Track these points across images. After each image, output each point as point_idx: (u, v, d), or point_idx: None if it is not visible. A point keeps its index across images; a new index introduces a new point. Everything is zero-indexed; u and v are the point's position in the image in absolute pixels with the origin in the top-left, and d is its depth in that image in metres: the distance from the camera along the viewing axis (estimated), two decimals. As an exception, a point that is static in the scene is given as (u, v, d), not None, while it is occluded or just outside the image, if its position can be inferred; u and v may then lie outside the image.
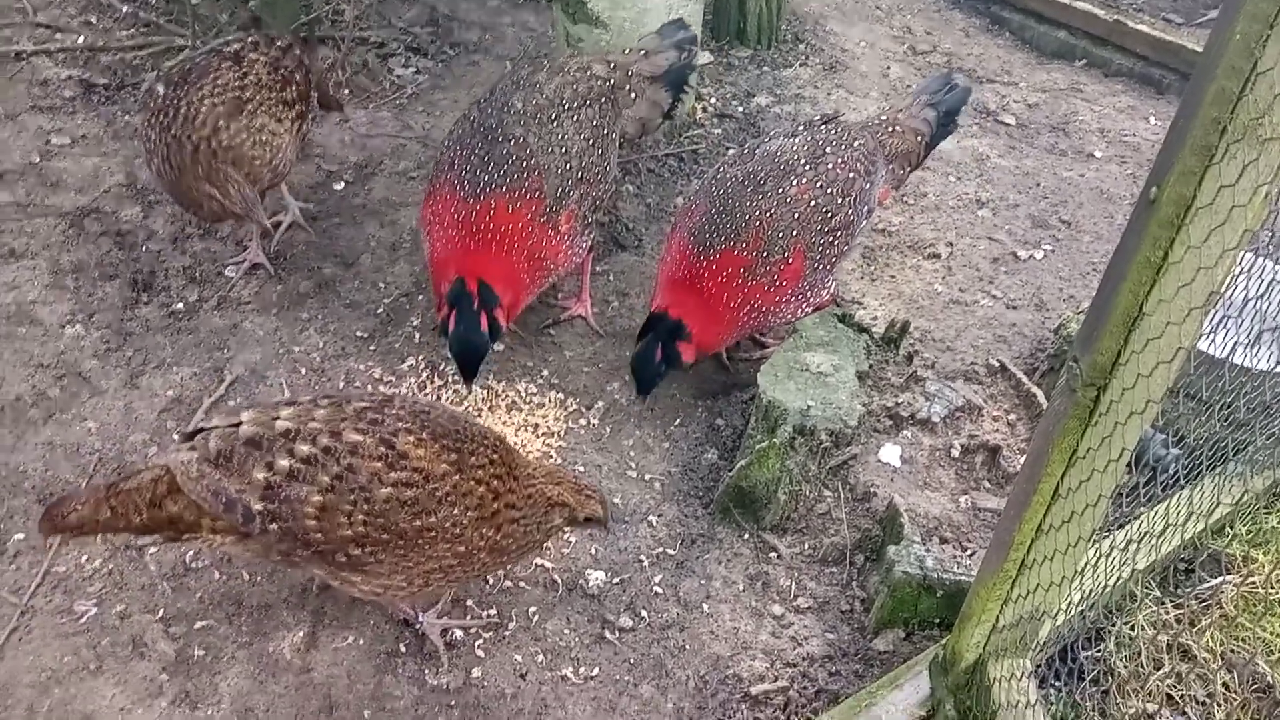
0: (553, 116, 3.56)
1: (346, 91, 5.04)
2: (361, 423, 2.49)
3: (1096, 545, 2.77)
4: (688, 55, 4.01)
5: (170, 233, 4.17)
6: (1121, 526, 2.87)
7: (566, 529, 2.84)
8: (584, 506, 2.76)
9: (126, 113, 4.73)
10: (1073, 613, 2.68)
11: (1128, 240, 1.77)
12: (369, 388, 3.62)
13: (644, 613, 3.05)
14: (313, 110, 4.06)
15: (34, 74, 4.89)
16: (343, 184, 4.52)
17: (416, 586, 2.61)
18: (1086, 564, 2.61)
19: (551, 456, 3.44)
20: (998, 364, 3.69)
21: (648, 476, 3.45)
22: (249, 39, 3.83)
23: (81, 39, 5.12)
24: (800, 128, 3.68)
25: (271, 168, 3.72)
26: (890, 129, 3.78)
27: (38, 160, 4.43)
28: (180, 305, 3.87)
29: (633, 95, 3.88)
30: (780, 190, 3.39)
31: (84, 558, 3.05)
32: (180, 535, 2.61)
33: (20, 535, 3.08)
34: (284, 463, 2.42)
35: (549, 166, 3.47)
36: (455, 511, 2.49)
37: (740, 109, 5.11)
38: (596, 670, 2.90)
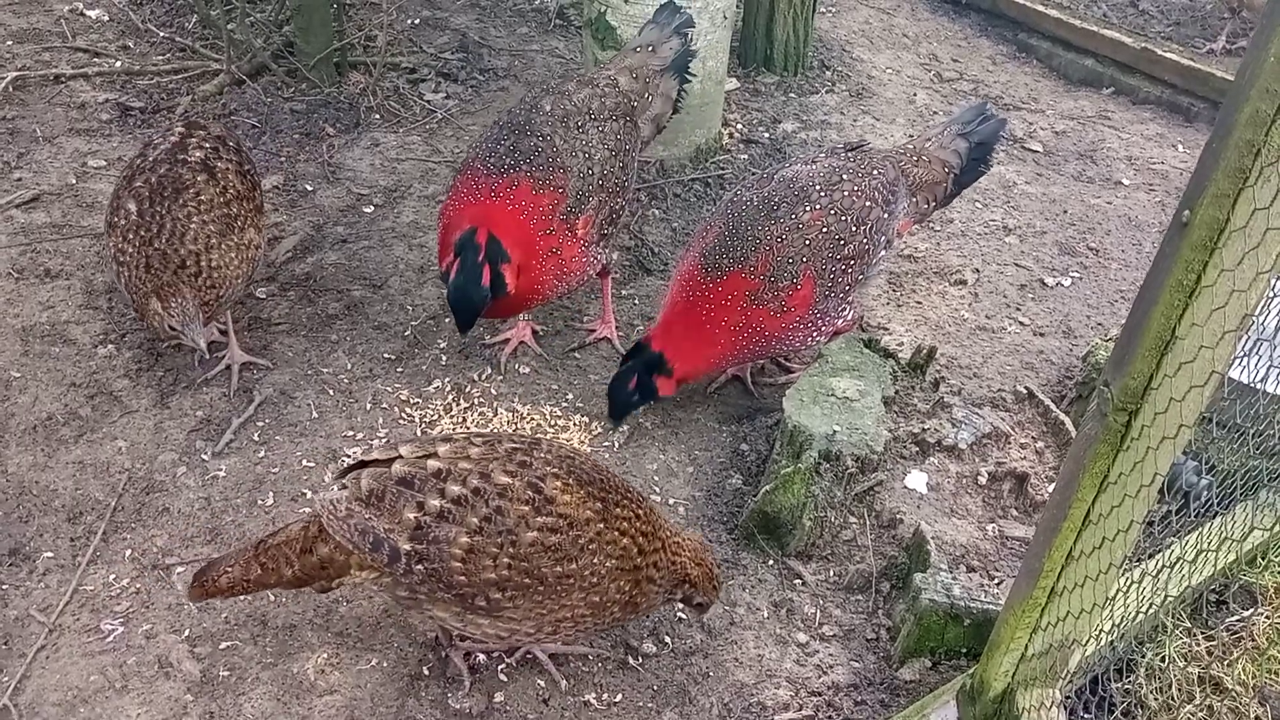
0: (579, 124, 3.62)
1: (378, 116, 5.10)
2: (511, 464, 2.49)
3: (1127, 574, 2.73)
4: (688, 40, 4.04)
5: (202, 255, 4.22)
6: (1152, 555, 2.83)
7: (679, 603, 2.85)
8: (707, 593, 2.78)
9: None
10: (1102, 643, 2.64)
11: (1160, 263, 1.75)
12: (395, 409, 3.63)
13: (667, 639, 3.03)
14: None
15: (72, 97, 4.98)
16: (372, 207, 4.56)
17: (545, 633, 2.60)
18: (1117, 593, 2.58)
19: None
20: (1025, 391, 3.65)
21: (671, 501, 3.44)
22: (207, 144, 3.62)
23: (119, 63, 5.22)
24: (821, 155, 3.69)
25: (249, 279, 3.62)
26: (915, 158, 3.74)
27: (74, 182, 4.50)
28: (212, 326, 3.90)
29: (649, 99, 3.91)
30: (793, 216, 3.39)
31: (112, 576, 3.06)
32: (331, 581, 2.62)
33: (49, 554, 3.11)
34: (435, 503, 2.43)
35: (572, 168, 3.51)
36: (595, 560, 2.49)
37: (766, 135, 5.13)
38: (620, 696, 2.88)
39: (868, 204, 3.46)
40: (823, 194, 3.43)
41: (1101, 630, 2.62)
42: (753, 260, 3.34)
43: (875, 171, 3.55)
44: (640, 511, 2.62)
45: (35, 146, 4.66)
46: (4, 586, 3.02)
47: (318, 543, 2.57)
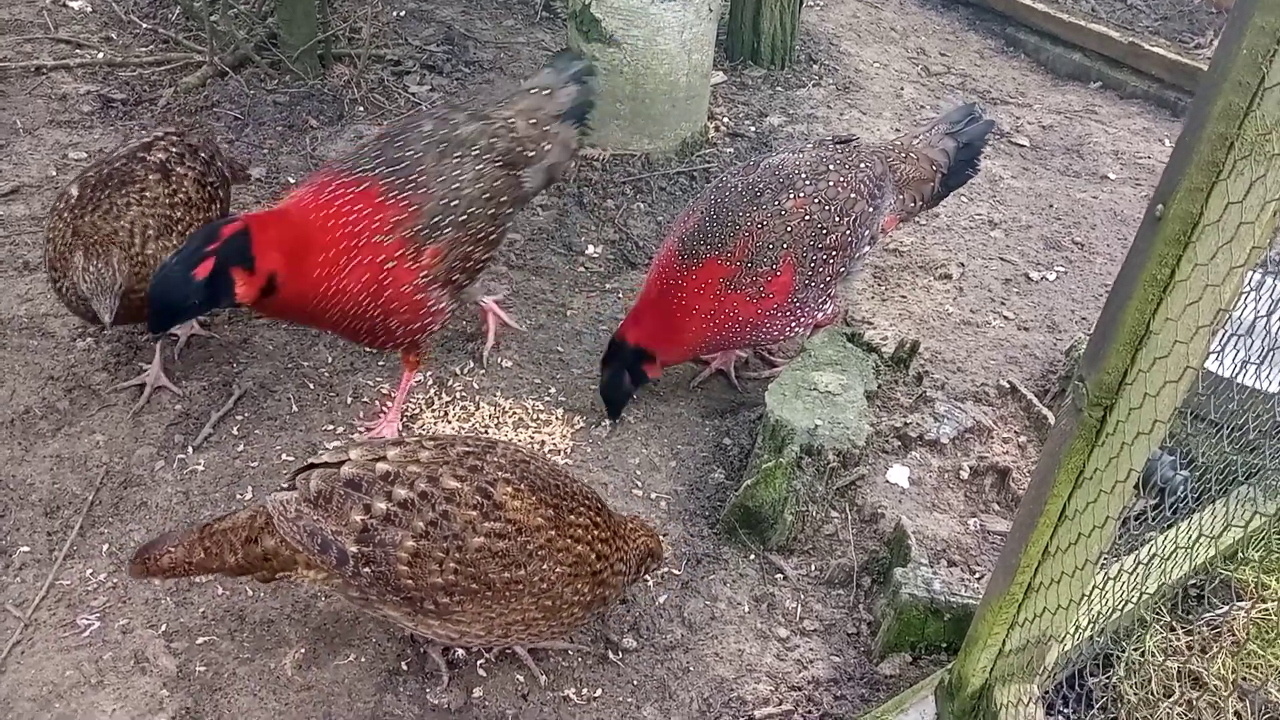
0: (457, 155, 3.33)
1: (362, 109, 5.07)
2: (461, 469, 2.47)
3: (1105, 569, 2.73)
4: (587, 87, 3.73)
5: (183, 247, 4.20)
6: (1131, 550, 2.83)
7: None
8: (659, 556, 2.82)
9: (144, 128, 4.76)
10: (1081, 638, 2.64)
11: (1134, 258, 1.75)
12: (376, 403, 3.62)
13: (648, 633, 3.02)
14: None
15: (53, 89, 4.94)
16: (355, 200, 4.53)
17: (495, 637, 2.59)
18: (1095, 588, 2.58)
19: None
20: (1008, 385, 3.65)
21: (654, 495, 3.43)
22: (174, 148, 3.51)
23: (101, 55, 5.19)
24: (809, 146, 3.67)
25: None
26: (903, 155, 3.72)
27: (55, 174, 4.46)
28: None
29: (545, 147, 3.58)
30: (776, 202, 3.38)
31: (89, 571, 3.04)
32: (274, 574, 2.61)
33: (26, 548, 3.08)
34: (381, 506, 2.42)
35: (433, 191, 3.21)
36: (545, 566, 2.48)
37: (753, 128, 5.11)
38: (599, 691, 2.87)
39: (852, 196, 3.45)
40: (808, 182, 3.42)
41: (1080, 626, 2.61)
42: (731, 246, 3.34)
43: (862, 165, 3.53)
44: (598, 519, 2.61)
45: (15, 138, 4.62)
46: (-21, 581, 3.00)
47: (264, 534, 2.55)
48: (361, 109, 5.07)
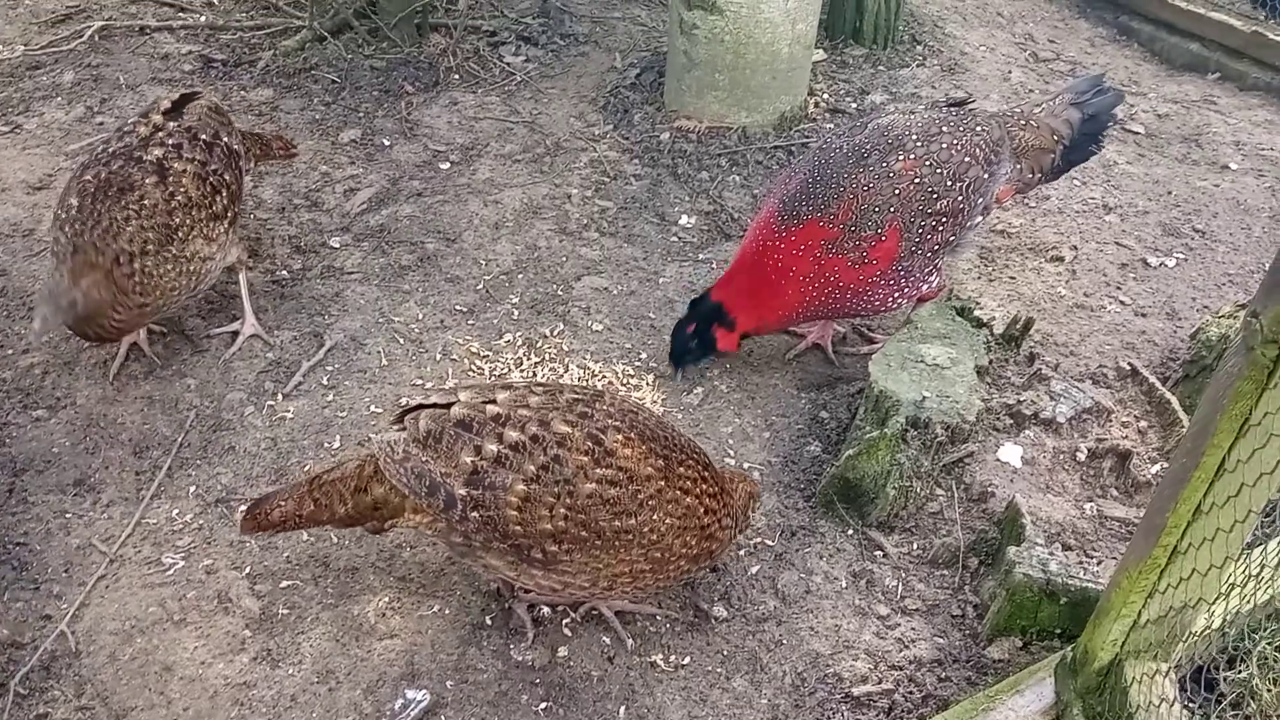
0: None
1: (457, 77, 5.03)
2: (571, 414, 2.40)
3: (1235, 563, 2.53)
4: None
5: (278, 203, 4.18)
6: (1269, 539, 2.62)
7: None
8: (759, 492, 2.77)
9: (243, 88, 4.79)
10: (1212, 628, 2.44)
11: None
12: (465, 361, 3.54)
13: (739, 604, 2.89)
14: (245, 191, 3.62)
15: (156, 48, 5.00)
16: (449, 164, 4.49)
17: (600, 589, 2.50)
18: (1233, 569, 2.38)
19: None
20: (1128, 367, 3.45)
21: (746, 465, 3.29)
22: (170, 140, 3.31)
23: (203, 19, 5.23)
24: (921, 108, 3.51)
25: (194, 292, 3.36)
26: (1023, 122, 3.54)
27: (154, 130, 4.49)
28: (284, 273, 3.85)
29: None
30: (884, 164, 3.22)
31: (175, 511, 3.01)
32: (384, 524, 2.54)
33: (114, 486, 3.07)
34: (492, 447, 2.34)
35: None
36: (655, 517, 2.40)
37: (854, 105, 4.96)
38: (688, 659, 2.75)
39: (967, 160, 3.28)
40: (919, 144, 3.25)
41: (1212, 618, 2.42)
42: (834, 208, 3.19)
43: (979, 128, 3.35)
44: (706, 473, 2.51)
45: (118, 93, 4.67)
46: (68, 515, 2.99)
47: (373, 483, 2.49)
48: (457, 77, 5.04)
